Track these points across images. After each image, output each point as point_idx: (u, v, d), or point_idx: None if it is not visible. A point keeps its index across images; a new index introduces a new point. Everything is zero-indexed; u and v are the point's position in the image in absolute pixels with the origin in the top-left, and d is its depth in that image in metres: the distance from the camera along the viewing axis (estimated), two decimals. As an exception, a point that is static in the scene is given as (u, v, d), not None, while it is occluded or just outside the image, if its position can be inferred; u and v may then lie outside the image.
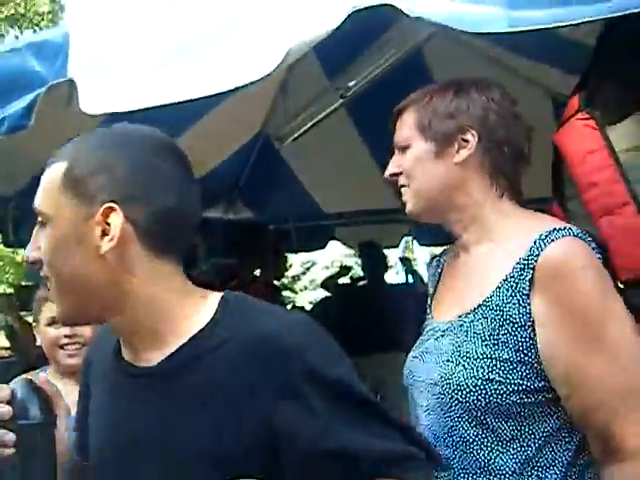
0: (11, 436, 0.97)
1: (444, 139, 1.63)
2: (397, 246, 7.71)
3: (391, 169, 1.72)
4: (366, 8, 1.57)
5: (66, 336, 2.38)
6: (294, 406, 1.18)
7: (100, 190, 1.25)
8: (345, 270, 7.79)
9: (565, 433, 1.49)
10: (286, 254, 6.95)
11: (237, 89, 1.76)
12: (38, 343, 2.51)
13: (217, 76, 1.71)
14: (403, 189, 1.71)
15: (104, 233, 1.24)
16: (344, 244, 7.78)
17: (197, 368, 1.26)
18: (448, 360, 1.55)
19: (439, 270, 1.85)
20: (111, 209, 1.23)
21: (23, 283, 6.97)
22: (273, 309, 1.34)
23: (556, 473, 1.48)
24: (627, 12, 1.30)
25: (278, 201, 6.44)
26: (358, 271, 7.96)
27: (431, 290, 1.85)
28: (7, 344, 6.32)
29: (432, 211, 1.69)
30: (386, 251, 7.14)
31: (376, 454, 1.19)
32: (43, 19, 15.74)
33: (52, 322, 2.42)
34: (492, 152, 1.63)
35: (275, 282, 6.65)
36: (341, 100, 4.74)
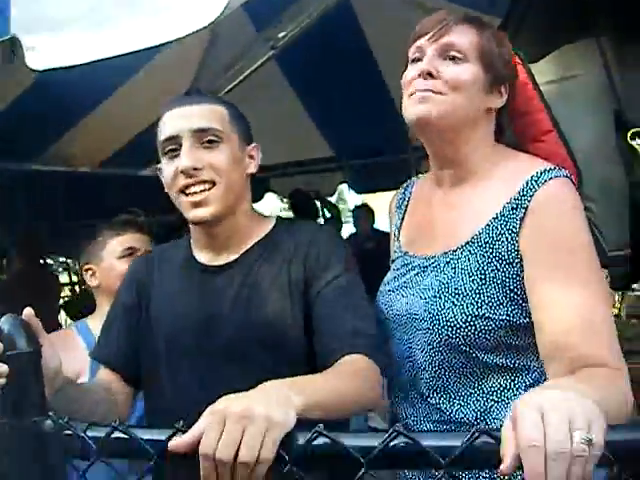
0: (4, 367, 1.06)
1: (495, 82, 1.59)
2: (333, 194, 7.78)
3: (427, 68, 1.55)
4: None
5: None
6: (308, 278, 1.66)
7: (247, 131, 1.79)
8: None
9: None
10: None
11: (171, 42, 1.81)
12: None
13: (158, 28, 1.77)
14: (434, 94, 1.54)
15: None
16: (279, 196, 7.81)
17: (256, 266, 1.71)
18: (435, 296, 1.56)
19: (405, 202, 1.84)
20: (257, 147, 1.79)
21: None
22: (306, 224, 1.90)
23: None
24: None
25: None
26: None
27: (398, 222, 1.84)
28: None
29: (447, 131, 1.58)
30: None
31: (345, 329, 1.57)
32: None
33: (127, 255, 2.43)
34: (506, 105, 1.63)
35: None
36: (272, 51, 4.79)
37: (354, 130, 5.76)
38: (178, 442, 0.97)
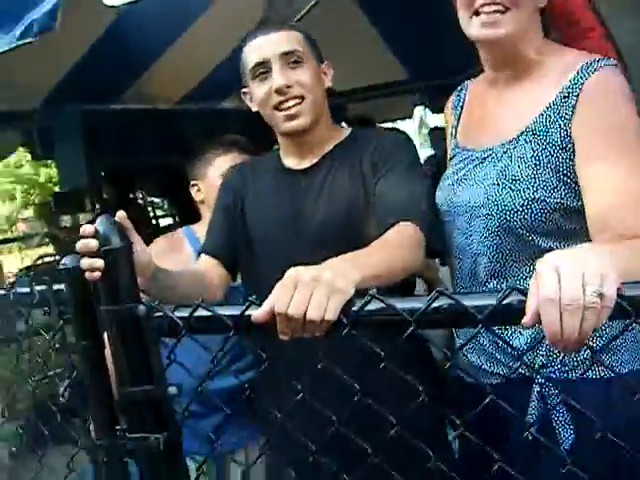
0: (100, 262, 1.22)
1: None
2: (411, 117, 7.81)
3: None
4: None
5: None
6: (374, 169, 1.93)
7: (319, 51, 2.05)
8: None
9: None
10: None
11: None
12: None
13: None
14: (501, 15, 1.63)
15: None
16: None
17: (334, 166, 2.00)
18: (494, 184, 1.67)
19: (461, 104, 1.97)
20: (328, 65, 2.05)
21: (58, 190, 7.16)
22: (376, 128, 2.35)
23: None
24: None
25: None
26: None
27: (455, 121, 1.97)
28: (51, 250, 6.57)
29: (511, 42, 1.67)
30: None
31: (396, 202, 1.83)
32: None
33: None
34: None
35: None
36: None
37: (428, 50, 5.74)
38: (258, 313, 1.13)
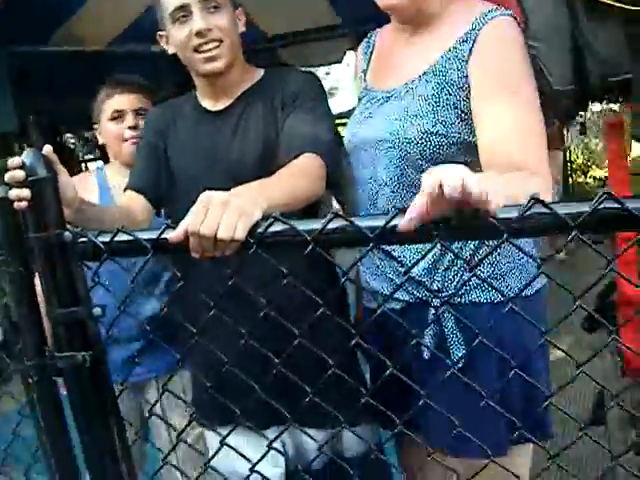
0: (27, 192, 1.30)
1: None
2: (340, 62, 7.86)
3: None
4: None
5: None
6: (283, 107, 2.07)
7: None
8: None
9: None
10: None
11: None
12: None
13: None
14: None
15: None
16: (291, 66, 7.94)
17: (248, 107, 2.12)
18: (396, 119, 1.83)
19: (370, 49, 2.12)
20: (241, 11, 2.15)
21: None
22: (287, 69, 2.29)
23: None
24: None
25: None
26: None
27: (364, 66, 2.12)
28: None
29: (412, 3, 1.84)
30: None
31: (301, 135, 1.97)
32: None
33: (115, 117, 2.67)
34: None
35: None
36: None
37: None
38: (173, 234, 1.24)
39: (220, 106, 2.18)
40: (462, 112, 1.77)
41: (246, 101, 2.15)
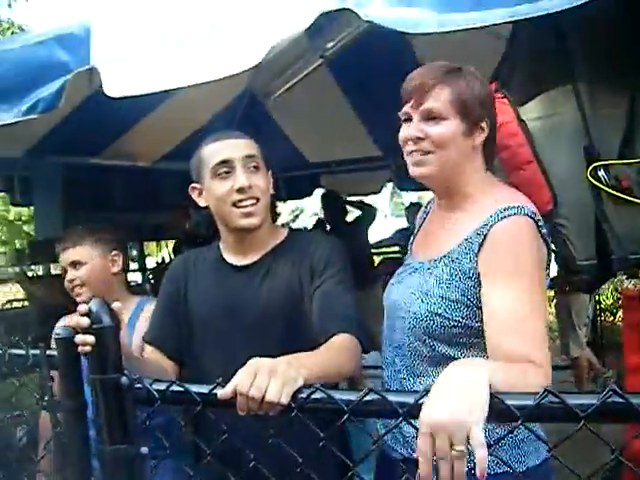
0: (92, 338, 1.44)
1: (475, 123, 1.88)
2: (379, 192, 8.10)
3: (415, 133, 1.89)
4: (330, 12, 1.97)
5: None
6: (312, 274, 2.14)
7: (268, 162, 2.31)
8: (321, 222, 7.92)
9: None
10: (276, 202, 7.30)
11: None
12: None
13: (213, 65, 2.14)
14: (426, 155, 1.89)
15: None
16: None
17: (274, 264, 2.20)
18: (412, 293, 1.93)
19: (424, 217, 2.20)
20: (270, 174, 2.31)
21: (33, 238, 7.32)
22: (313, 233, 2.50)
23: None
24: (528, 16, 1.73)
25: (265, 153, 6.79)
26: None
27: (415, 232, 2.21)
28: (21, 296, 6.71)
29: (441, 180, 1.94)
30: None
31: (336, 314, 2.06)
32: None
33: (67, 270, 2.84)
34: (489, 139, 1.93)
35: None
36: (320, 60, 5.11)
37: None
38: (224, 391, 1.37)
39: (246, 261, 2.25)
40: (468, 299, 1.84)
41: (272, 259, 2.23)
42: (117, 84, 2.23)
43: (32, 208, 10.89)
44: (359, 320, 2.08)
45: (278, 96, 5.72)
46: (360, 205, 7.69)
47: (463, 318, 1.85)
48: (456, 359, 1.82)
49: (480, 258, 1.82)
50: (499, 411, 1.14)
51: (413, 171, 1.92)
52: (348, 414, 1.21)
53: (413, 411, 1.18)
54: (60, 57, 2.45)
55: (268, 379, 1.39)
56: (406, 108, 1.92)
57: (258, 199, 2.16)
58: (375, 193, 7.93)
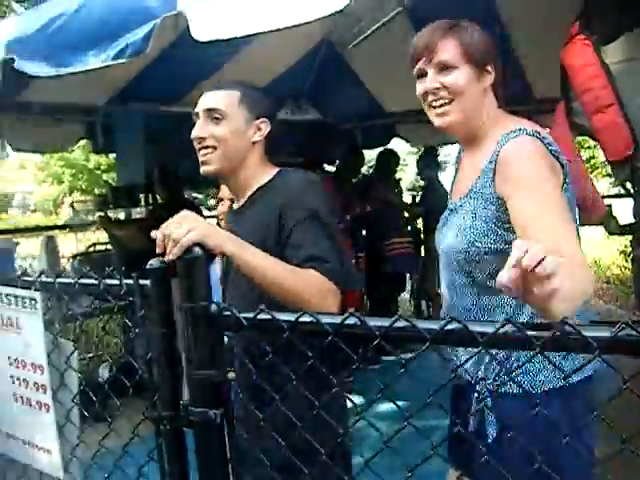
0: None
1: (482, 67, 2.07)
2: (456, 142, 8.04)
3: (433, 85, 2.06)
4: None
5: None
6: (285, 216, 2.16)
7: (260, 108, 2.33)
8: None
9: None
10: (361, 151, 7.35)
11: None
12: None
13: (298, 9, 2.19)
14: (447, 106, 2.06)
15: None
16: (406, 141, 8.18)
17: (256, 204, 2.29)
18: (451, 231, 2.14)
19: (457, 163, 2.36)
20: (264, 122, 2.32)
21: (114, 184, 7.51)
22: (298, 173, 2.34)
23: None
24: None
25: (342, 102, 6.82)
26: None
27: (452, 179, 2.39)
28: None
29: (464, 126, 2.10)
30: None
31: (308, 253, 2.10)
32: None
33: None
34: (496, 80, 2.11)
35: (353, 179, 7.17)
36: (399, 8, 5.10)
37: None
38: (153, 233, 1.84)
39: (238, 204, 2.41)
40: (494, 224, 2.00)
41: (252, 199, 2.34)
42: (205, 28, 2.29)
43: (111, 157, 11.19)
44: (332, 261, 2.12)
45: (356, 45, 5.73)
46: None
47: (492, 243, 2.01)
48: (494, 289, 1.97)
49: (496, 183, 1.98)
50: (575, 343, 1.17)
51: (438, 122, 2.09)
52: (430, 342, 1.25)
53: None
54: (148, 2, 2.52)
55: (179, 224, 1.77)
56: (419, 65, 2.10)
57: (214, 147, 2.27)
58: (452, 143, 7.87)
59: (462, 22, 2.11)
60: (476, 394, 2.10)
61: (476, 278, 2.08)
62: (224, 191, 3.07)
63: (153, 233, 1.81)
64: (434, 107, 2.07)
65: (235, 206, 2.43)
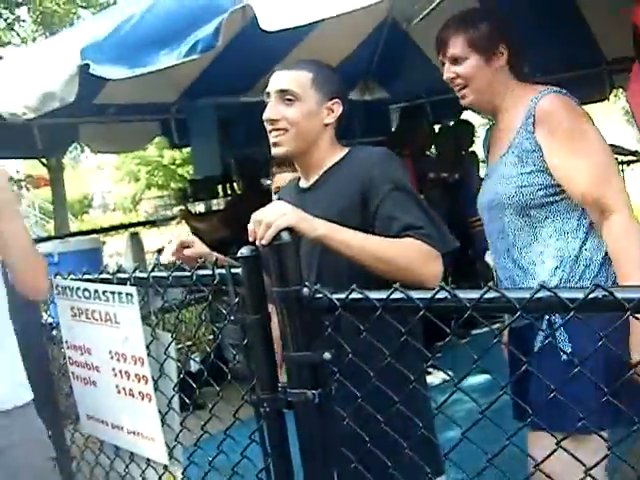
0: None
1: (491, 52, 2.43)
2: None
3: (449, 75, 2.49)
4: None
5: None
6: (369, 189, 2.14)
7: (332, 89, 2.29)
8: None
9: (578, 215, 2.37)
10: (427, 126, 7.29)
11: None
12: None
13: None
14: (464, 90, 2.48)
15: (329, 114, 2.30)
16: (477, 113, 8.09)
17: (331, 180, 2.28)
18: (497, 183, 2.45)
19: (488, 136, 2.73)
20: (337, 102, 2.29)
21: (191, 177, 7.63)
22: (374, 148, 2.34)
23: (579, 236, 2.36)
24: None
25: (410, 79, 6.79)
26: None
27: (486, 151, 2.73)
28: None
29: (484, 102, 2.51)
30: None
31: (401, 223, 2.07)
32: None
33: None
34: (512, 55, 2.46)
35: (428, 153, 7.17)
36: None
37: (549, 50, 5.85)
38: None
39: (308, 183, 2.37)
40: (539, 167, 2.34)
41: (326, 179, 2.31)
42: (272, 18, 2.33)
43: (185, 151, 11.32)
44: (429, 227, 2.09)
45: (420, 20, 5.69)
46: None
47: (541, 183, 2.35)
48: (548, 219, 2.38)
49: (537, 134, 2.33)
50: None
51: (462, 102, 2.51)
52: (470, 310, 1.28)
53: (530, 306, 1.25)
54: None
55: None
56: (440, 57, 2.53)
57: (286, 130, 2.24)
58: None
59: (469, 11, 2.58)
60: (547, 316, 2.27)
61: (530, 214, 2.39)
62: (279, 181, 3.14)
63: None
64: (456, 91, 2.51)
65: (304, 184, 2.39)
